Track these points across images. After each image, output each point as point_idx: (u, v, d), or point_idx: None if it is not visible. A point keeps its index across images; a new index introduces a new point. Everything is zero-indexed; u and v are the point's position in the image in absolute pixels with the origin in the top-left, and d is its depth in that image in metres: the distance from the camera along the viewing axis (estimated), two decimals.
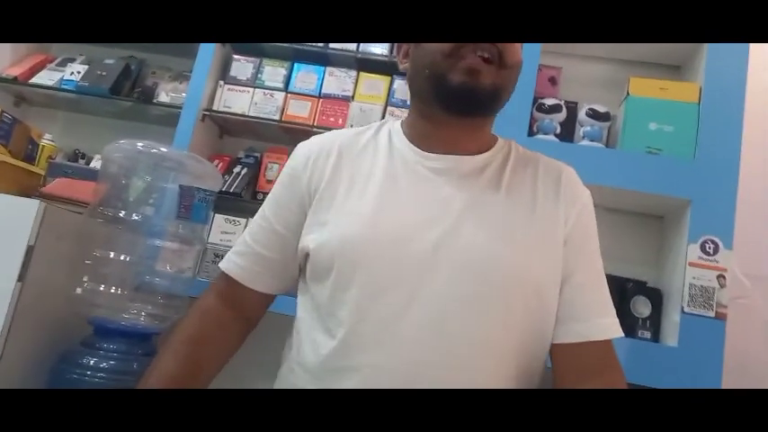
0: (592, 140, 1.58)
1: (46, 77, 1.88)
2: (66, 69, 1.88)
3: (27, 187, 1.36)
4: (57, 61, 1.94)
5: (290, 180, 0.89)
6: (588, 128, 1.60)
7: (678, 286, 1.43)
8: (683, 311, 1.39)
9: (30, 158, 1.41)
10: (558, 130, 1.62)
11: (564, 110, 1.63)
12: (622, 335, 0.81)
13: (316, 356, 0.79)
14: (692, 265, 1.41)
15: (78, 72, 1.85)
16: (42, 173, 1.43)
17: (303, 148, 0.91)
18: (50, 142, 1.57)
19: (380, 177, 0.83)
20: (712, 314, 1.38)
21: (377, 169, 0.84)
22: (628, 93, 1.57)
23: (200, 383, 0.83)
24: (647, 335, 1.46)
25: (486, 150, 0.86)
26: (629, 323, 1.48)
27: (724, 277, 1.40)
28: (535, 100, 1.62)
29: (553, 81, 1.78)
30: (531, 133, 1.60)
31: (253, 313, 0.92)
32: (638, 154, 1.51)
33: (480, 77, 0.77)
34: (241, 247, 0.90)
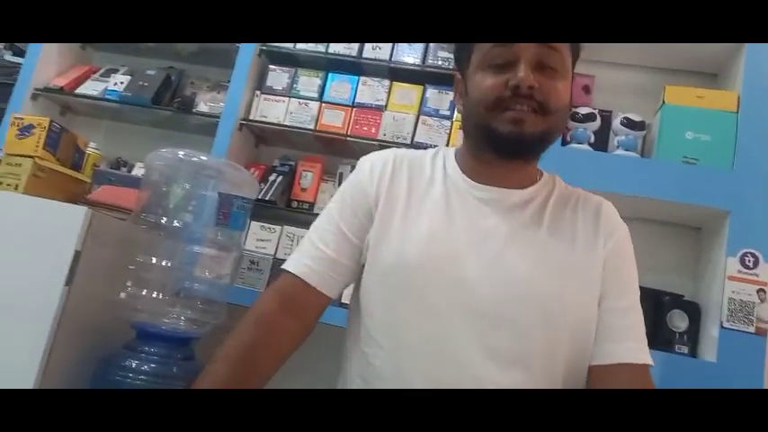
0: (626, 150, 1.57)
1: (90, 88, 1.96)
2: (110, 80, 1.96)
3: (74, 194, 1.41)
4: (100, 72, 2.02)
5: (357, 190, 0.93)
6: (623, 137, 1.59)
7: (717, 300, 1.41)
8: (721, 326, 1.37)
9: (76, 166, 1.46)
10: (593, 140, 1.61)
11: (598, 119, 1.62)
12: (649, 358, 0.84)
13: (368, 366, 0.86)
14: (731, 278, 1.39)
15: (121, 82, 1.92)
16: (88, 180, 1.48)
17: (367, 162, 0.96)
18: (95, 150, 1.63)
19: (435, 201, 0.89)
20: (752, 329, 1.35)
21: (433, 192, 0.90)
22: (663, 101, 1.56)
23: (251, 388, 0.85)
24: (685, 349, 1.44)
25: (531, 185, 0.91)
26: (665, 337, 1.46)
27: (764, 291, 1.37)
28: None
29: (587, 90, 1.77)
30: (564, 142, 1.59)
31: (311, 319, 0.91)
32: (675, 163, 1.49)
33: (525, 126, 0.82)
34: (310, 250, 0.91)
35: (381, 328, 0.86)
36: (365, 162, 0.96)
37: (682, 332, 1.45)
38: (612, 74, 1.81)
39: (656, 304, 1.49)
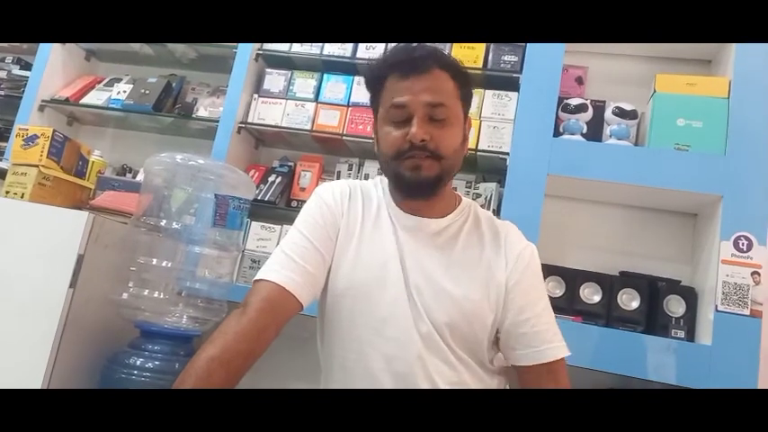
0: (619, 139, 1.58)
1: (95, 97, 2.02)
2: (114, 89, 2.01)
3: (78, 200, 1.46)
4: (104, 82, 2.08)
5: (328, 213, 1.04)
6: (615, 126, 1.60)
7: (712, 284, 1.42)
8: (716, 310, 1.37)
9: (80, 174, 1.51)
10: (585, 130, 1.62)
11: (590, 109, 1.64)
12: (568, 353, 0.99)
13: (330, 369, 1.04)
14: (724, 262, 1.40)
15: (124, 91, 1.97)
16: (92, 186, 1.54)
17: (328, 190, 1.08)
18: (99, 158, 1.69)
19: (384, 228, 1.04)
20: (747, 312, 1.36)
21: (381, 220, 1.05)
22: (654, 90, 1.56)
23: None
24: (681, 334, 1.44)
25: (450, 212, 1.06)
26: (662, 322, 1.47)
27: (758, 274, 1.37)
28: (560, 101, 1.63)
29: (579, 81, 1.78)
30: (557, 134, 1.61)
31: (284, 323, 0.96)
32: (667, 151, 1.50)
33: (422, 171, 0.97)
34: (288, 263, 0.97)
35: (330, 333, 1.03)
36: (326, 190, 1.08)
37: (678, 317, 1.46)
38: (606, 64, 1.82)
39: (652, 291, 1.50)
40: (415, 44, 1.01)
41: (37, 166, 1.38)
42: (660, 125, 1.53)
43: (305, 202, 1.74)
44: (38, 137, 1.42)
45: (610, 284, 1.52)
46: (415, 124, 0.95)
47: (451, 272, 1.00)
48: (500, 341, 1.02)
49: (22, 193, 1.37)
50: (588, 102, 1.65)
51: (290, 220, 1.71)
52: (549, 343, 0.99)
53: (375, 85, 1.02)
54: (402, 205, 1.05)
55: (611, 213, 1.72)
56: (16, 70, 2.16)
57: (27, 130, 1.45)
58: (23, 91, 2.01)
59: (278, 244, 1.65)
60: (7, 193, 1.38)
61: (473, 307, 0.99)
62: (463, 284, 1.00)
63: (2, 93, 2.11)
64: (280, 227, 1.71)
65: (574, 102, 1.64)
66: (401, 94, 0.97)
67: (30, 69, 2.06)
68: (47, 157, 1.40)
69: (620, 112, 1.60)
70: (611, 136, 1.60)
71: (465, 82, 1.02)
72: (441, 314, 0.98)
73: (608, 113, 1.63)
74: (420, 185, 0.98)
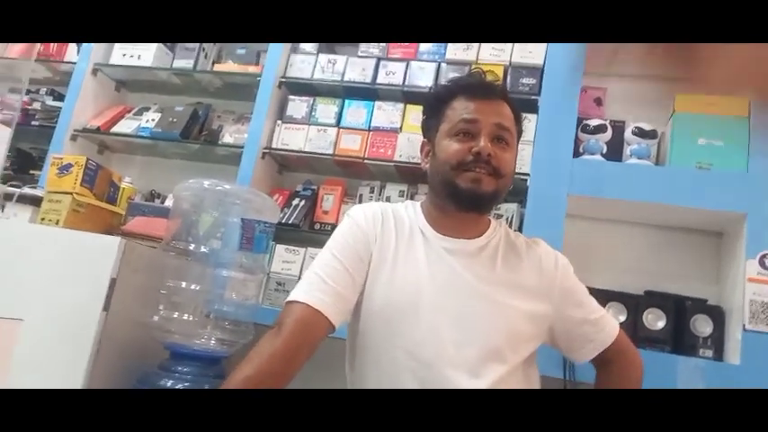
0: (640, 158, 1.59)
1: (124, 126, 2.09)
2: (142, 118, 2.08)
3: (110, 226, 1.51)
4: (133, 111, 2.15)
5: (361, 234, 1.06)
6: (635, 146, 1.60)
7: (739, 303, 1.40)
8: (744, 329, 1.36)
9: (112, 200, 1.56)
10: (605, 150, 1.63)
11: (610, 129, 1.65)
12: (617, 326, 1.11)
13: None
14: (751, 280, 1.38)
15: (153, 119, 2.04)
16: (123, 212, 1.58)
17: (360, 212, 1.10)
18: (129, 185, 1.74)
19: (417, 251, 1.05)
20: None
21: (414, 243, 1.06)
22: (674, 110, 1.57)
23: None
24: (709, 353, 1.43)
25: (484, 232, 1.09)
26: (689, 342, 1.45)
27: None
28: (580, 121, 1.64)
29: (599, 102, 1.80)
30: (576, 154, 1.62)
31: (317, 345, 0.97)
32: (689, 170, 1.50)
33: (482, 185, 1.01)
34: (320, 285, 0.98)
35: (370, 365, 1.04)
36: (358, 211, 1.10)
37: (706, 337, 1.44)
38: (624, 85, 1.83)
39: (678, 310, 1.49)
40: (477, 71, 1.12)
41: (71, 193, 1.43)
42: (681, 145, 1.53)
43: (328, 224, 1.82)
44: (72, 165, 1.47)
45: (635, 304, 1.51)
46: (483, 140, 1.02)
47: (498, 288, 1.03)
48: (560, 346, 1.10)
49: (57, 220, 1.42)
50: (608, 122, 1.66)
51: (314, 243, 1.76)
52: (602, 329, 1.08)
53: (441, 104, 1.08)
54: (439, 227, 1.08)
55: (635, 233, 1.72)
56: (50, 101, 2.25)
57: (61, 159, 1.50)
58: (56, 121, 2.09)
59: (302, 266, 1.71)
60: (42, 219, 1.44)
61: (525, 318, 1.03)
62: (511, 297, 1.03)
63: (36, 123, 2.19)
64: (304, 249, 1.74)
65: (593, 122, 1.65)
66: (471, 112, 1.04)
67: (62, 100, 2.14)
68: (80, 185, 1.45)
69: (640, 132, 1.61)
70: (631, 155, 1.60)
71: (519, 118, 1.11)
72: (492, 331, 1.00)
73: (628, 133, 1.64)
74: (476, 199, 1.02)
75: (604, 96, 1.81)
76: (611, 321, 1.11)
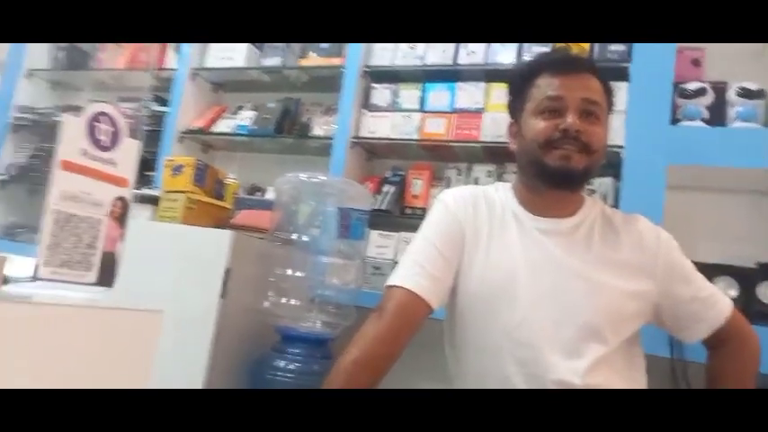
0: (745, 121, 1.49)
1: (224, 125, 2.23)
2: (238, 116, 2.21)
3: (220, 220, 1.64)
4: (230, 110, 2.29)
5: (452, 220, 1.08)
6: (740, 108, 1.51)
7: None
8: None
9: (219, 196, 1.69)
10: (706, 115, 1.54)
11: (710, 92, 1.56)
12: (730, 303, 1.06)
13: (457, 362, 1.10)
14: None
15: (249, 118, 2.16)
16: (230, 207, 1.71)
17: (450, 197, 1.11)
18: (234, 180, 1.87)
19: (511, 233, 1.06)
20: None
21: (507, 225, 1.07)
22: None
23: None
24: None
25: (578, 210, 1.07)
26: (756, 309, 1.37)
27: None
28: (676, 86, 1.56)
29: (696, 63, 1.70)
30: (674, 121, 1.55)
31: (418, 326, 1.02)
32: None
33: (571, 162, 1.00)
34: (418, 270, 1.02)
35: (470, 347, 1.07)
36: (449, 196, 1.12)
37: None
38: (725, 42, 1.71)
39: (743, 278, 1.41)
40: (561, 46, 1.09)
41: (185, 192, 1.57)
42: None
43: (418, 209, 1.86)
44: (183, 166, 1.60)
45: (747, 277, 1.43)
46: (570, 116, 1.00)
47: (596, 266, 1.02)
48: (668, 326, 1.07)
49: (174, 216, 1.56)
50: (707, 85, 1.57)
51: (406, 227, 1.81)
52: (713, 307, 1.04)
53: (524, 83, 1.07)
54: (532, 207, 1.07)
55: (742, 202, 1.62)
56: (155, 106, 2.44)
57: (173, 160, 1.64)
58: (161, 125, 2.27)
59: (396, 250, 1.77)
60: (161, 217, 1.58)
61: (626, 297, 1.01)
62: (610, 276, 1.01)
63: (147, 128, 2.39)
64: (397, 234, 1.79)
65: (691, 86, 1.56)
66: (556, 89, 1.02)
67: (166, 105, 2.32)
68: (192, 184, 1.58)
69: (745, 93, 1.51)
70: (736, 119, 1.51)
71: (610, 90, 1.07)
72: (591, 310, 0.99)
73: (731, 95, 1.54)
74: (567, 176, 1.01)
75: (703, 57, 1.71)
76: (722, 298, 1.06)
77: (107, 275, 0.83)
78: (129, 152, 0.86)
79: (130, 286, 0.97)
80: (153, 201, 1.66)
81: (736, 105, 1.52)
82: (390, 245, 1.78)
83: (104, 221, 0.82)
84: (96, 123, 0.80)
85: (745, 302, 1.41)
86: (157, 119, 2.38)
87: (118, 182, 0.85)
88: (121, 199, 0.85)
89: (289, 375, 1.35)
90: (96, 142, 0.81)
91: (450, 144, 1.81)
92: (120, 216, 0.86)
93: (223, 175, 1.73)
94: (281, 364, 1.36)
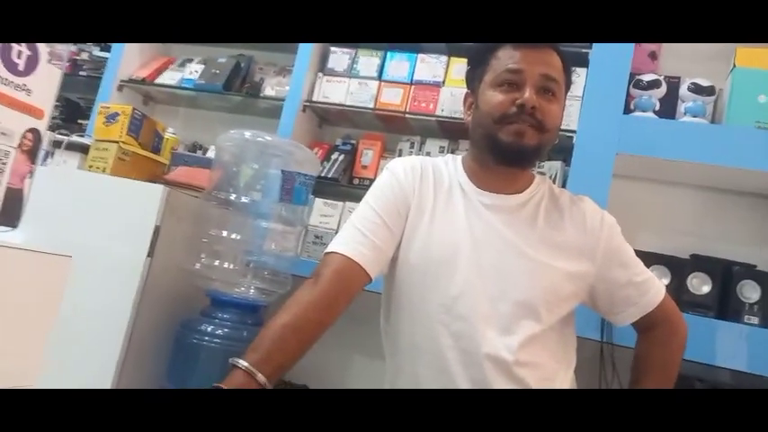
0: (694, 116, 1.51)
1: (168, 77, 2.11)
2: (186, 69, 2.09)
3: (154, 174, 1.55)
4: (177, 62, 2.16)
5: (399, 189, 1.05)
6: (690, 103, 1.52)
7: None
8: None
9: (156, 150, 1.60)
10: (658, 107, 1.55)
11: (664, 85, 1.57)
12: (663, 289, 1.07)
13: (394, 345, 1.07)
14: None
15: (196, 71, 2.05)
16: (166, 162, 1.62)
17: (400, 165, 1.08)
18: (173, 135, 1.77)
19: (455, 206, 1.04)
20: None
21: (453, 198, 1.05)
22: (734, 64, 1.48)
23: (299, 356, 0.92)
24: (755, 320, 1.38)
25: (526, 188, 1.06)
26: (735, 308, 1.41)
27: None
28: (632, 77, 1.57)
29: (653, 56, 1.71)
30: (627, 111, 1.55)
31: (354, 295, 0.99)
32: (747, 129, 1.42)
33: (525, 138, 0.98)
34: (359, 238, 0.99)
35: (405, 320, 1.04)
36: (397, 165, 1.09)
37: (752, 303, 1.39)
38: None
39: (725, 275, 1.44)
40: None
41: (117, 142, 1.47)
42: (740, 102, 1.45)
43: (367, 179, 1.81)
44: (118, 114, 1.50)
45: (680, 267, 1.47)
46: (527, 91, 0.97)
47: (537, 245, 1.01)
48: (600, 308, 1.07)
49: (104, 168, 1.46)
50: (662, 78, 1.58)
51: (353, 197, 1.76)
52: (647, 292, 1.05)
53: (485, 53, 1.03)
54: (479, 182, 1.06)
55: (683, 194, 1.65)
56: (97, 51, 2.28)
57: (109, 108, 1.53)
58: (103, 72, 2.12)
59: (340, 220, 1.72)
60: (90, 167, 1.48)
61: (564, 278, 1.00)
62: (551, 256, 1.00)
63: (84, 73, 2.24)
64: (342, 203, 1.74)
65: (646, 78, 1.57)
66: (517, 62, 0.99)
67: (109, 51, 2.17)
68: (126, 134, 1.48)
69: (697, 89, 1.53)
70: (685, 113, 1.53)
71: (569, 68, 1.05)
72: (528, 288, 0.98)
73: (683, 90, 1.55)
74: (518, 152, 0.99)
75: (659, 50, 1.72)
76: (656, 284, 1.07)
77: (11, 215, 0.75)
78: (48, 81, 0.78)
79: (51, 235, 0.90)
80: (84, 150, 1.55)
81: (687, 100, 1.54)
82: (335, 214, 1.73)
83: (12, 154, 0.74)
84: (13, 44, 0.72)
85: (677, 291, 1.44)
86: (97, 64, 2.23)
87: (31, 111, 0.76)
88: (34, 131, 0.77)
89: (216, 341, 1.28)
90: (10, 65, 0.72)
91: (406, 116, 1.77)
92: (31, 150, 0.77)
93: (162, 128, 1.63)
94: (209, 328, 1.29)
